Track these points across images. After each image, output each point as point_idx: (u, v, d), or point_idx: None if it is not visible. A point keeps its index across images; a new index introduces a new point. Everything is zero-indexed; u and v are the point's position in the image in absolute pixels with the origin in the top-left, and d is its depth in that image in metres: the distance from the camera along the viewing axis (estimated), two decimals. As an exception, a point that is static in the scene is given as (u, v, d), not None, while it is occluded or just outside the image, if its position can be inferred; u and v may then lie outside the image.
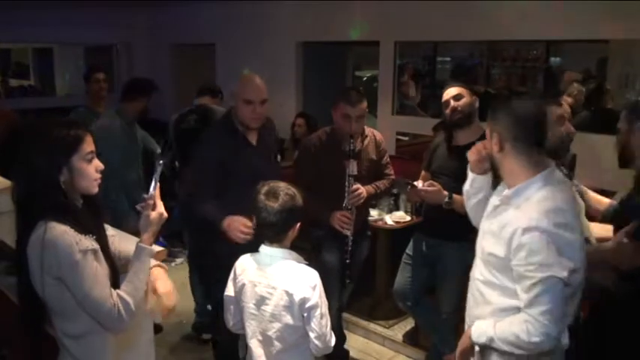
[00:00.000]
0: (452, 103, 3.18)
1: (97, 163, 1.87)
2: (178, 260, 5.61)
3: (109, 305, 1.76)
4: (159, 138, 4.94)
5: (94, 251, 1.79)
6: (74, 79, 8.92)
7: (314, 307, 2.17)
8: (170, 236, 5.69)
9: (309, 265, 2.30)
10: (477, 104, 3.21)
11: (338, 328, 3.66)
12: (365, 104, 3.34)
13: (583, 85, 5.05)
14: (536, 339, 1.83)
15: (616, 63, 4.88)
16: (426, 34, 5.45)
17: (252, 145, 3.18)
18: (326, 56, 6.72)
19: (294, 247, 2.35)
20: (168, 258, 5.31)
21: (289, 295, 2.17)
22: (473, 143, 3.16)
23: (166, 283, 2.18)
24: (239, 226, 2.84)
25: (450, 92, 3.21)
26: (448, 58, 6.22)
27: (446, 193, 3.04)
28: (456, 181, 3.12)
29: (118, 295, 1.80)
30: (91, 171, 1.84)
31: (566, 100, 5.09)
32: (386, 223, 4.23)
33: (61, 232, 1.72)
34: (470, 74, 5.91)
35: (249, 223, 2.72)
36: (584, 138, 4.54)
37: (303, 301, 2.16)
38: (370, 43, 5.95)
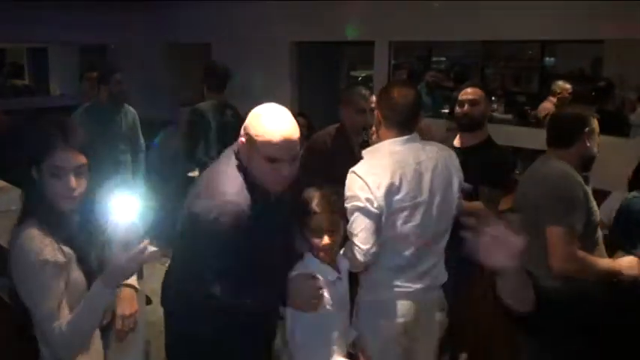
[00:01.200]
0: (466, 106, 3.17)
1: (68, 182, 1.70)
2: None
3: (52, 325, 1.67)
4: (153, 136, 4.94)
5: (56, 264, 1.69)
6: (68, 80, 8.89)
7: None
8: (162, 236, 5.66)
9: None
10: (490, 109, 3.20)
11: None
12: (374, 97, 3.37)
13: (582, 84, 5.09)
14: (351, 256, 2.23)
15: (611, 63, 4.90)
16: (420, 34, 5.45)
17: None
18: (321, 56, 6.72)
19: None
20: (161, 259, 5.28)
21: None
22: (475, 146, 3.19)
23: (126, 307, 2.02)
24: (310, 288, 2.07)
25: (468, 94, 3.18)
26: (443, 58, 6.24)
27: None
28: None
29: (65, 322, 1.68)
30: (55, 185, 1.70)
31: (552, 101, 5.13)
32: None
33: (29, 236, 1.69)
34: (465, 74, 5.95)
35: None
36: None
37: None
38: (365, 42, 5.95)
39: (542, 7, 4.48)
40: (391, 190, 2.26)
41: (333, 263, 2.16)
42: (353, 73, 7.54)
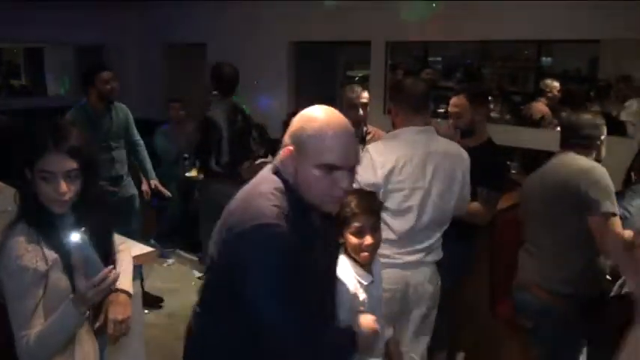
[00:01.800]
0: (452, 120, 3.27)
1: (58, 186, 1.71)
2: (170, 261, 5.60)
3: (20, 333, 1.69)
4: (148, 138, 4.95)
5: (35, 271, 1.71)
6: (65, 80, 8.87)
7: None
8: (161, 236, 5.68)
9: None
10: (480, 112, 3.23)
11: None
12: (367, 93, 3.40)
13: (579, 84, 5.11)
14: None
15: (607, 63, 4.91)
16: (417, 34, 5.46)
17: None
18: (317, 56, 6.72)
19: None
20: (159, 259, 5.30)
21: None
22: (474, 148, 3.22)
23: (119, 311, 1.95)
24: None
25: (452, 107, 3.27)
26: (439, 58, 6.24)
27: None
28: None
29: (34, 333, 1.70)
30: (45, 189, 1.72)
31: (542, 101, 5.15)
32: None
33: (15, 240, 1.71)
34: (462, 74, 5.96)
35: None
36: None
37: None
38: (361, 42, 5.95)
39: (539, 7, 4.49)
40: (393, 171, 2.54)
41: (368, 266, 2.15)
42: (349, 73, 7.54)
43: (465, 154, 2.75)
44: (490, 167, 3.12)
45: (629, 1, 4.03)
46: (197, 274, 5.18)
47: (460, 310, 3.57)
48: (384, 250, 2.44)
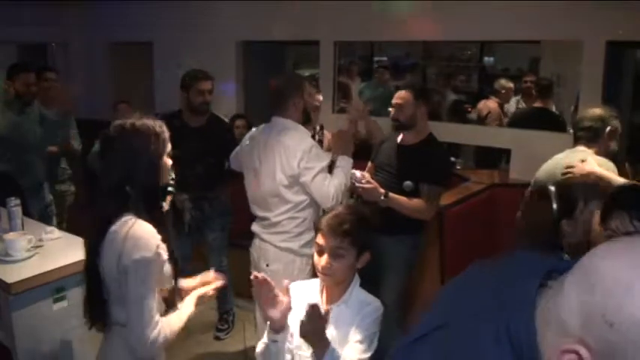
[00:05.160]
0: (394, 110, 3.34)
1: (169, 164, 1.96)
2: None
3: (148, 321, 1.75)
4: (94, 139, 4.87)
5: (163, 261, 1.81)
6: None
7: None
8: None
9: None
10: (422, 109, 3.32)
11: None
12: (321, 96, 3.45)
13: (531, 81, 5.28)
14: None
15: (548, 63, 5.11)
16: (364, 34, 5.55)
17: None
18: (265, 55, 6.73)
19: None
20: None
21: None
22: (415, 145, 3.32)
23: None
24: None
25: (395, 98, 3.35)
26: (385, 58, 6.35)
27: (382, 190, 3.11)
28: (395, 177, 3.24)
29: (160, 320, 1.80)
30: (167, 172, 1.95)
31: (494, 100, 5.33)
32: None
33: (148, 231, 1.78)
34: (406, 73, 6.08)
35: None
36: (521, 134, 4.76)
37: None
38: (309, 42, 6.01)
39: (481, 8, 4.64)
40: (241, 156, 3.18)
41: (337, 291, 2.01)
42: (298, 72, 7.57)
43: (291, 143, 2.92)
44: (431, 163, 3.23)
45: (568, 5, 4.21)
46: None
47: (413, 305, 3.67)
48: (254, 225, 3.11)
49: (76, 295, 2.80)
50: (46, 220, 4.11)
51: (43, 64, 5.35)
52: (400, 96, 3.32)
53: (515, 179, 4.60)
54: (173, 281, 1.94)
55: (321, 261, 1.95)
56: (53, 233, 3.08)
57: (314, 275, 3.05)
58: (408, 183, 3.20)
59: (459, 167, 5.22)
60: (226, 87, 6.10)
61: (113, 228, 1.79)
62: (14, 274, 2.60)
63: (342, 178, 2.94)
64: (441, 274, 3.62)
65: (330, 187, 2.87)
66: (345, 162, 3.03)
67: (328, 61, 5.76)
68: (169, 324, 1.82)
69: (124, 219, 1.79)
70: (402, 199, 3.15)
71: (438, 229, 3.56)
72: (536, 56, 5.27)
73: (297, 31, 5.87)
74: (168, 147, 1.89)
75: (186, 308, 1.94)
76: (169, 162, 1.92)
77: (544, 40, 4.78)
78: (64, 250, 2.89)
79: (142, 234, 1.76)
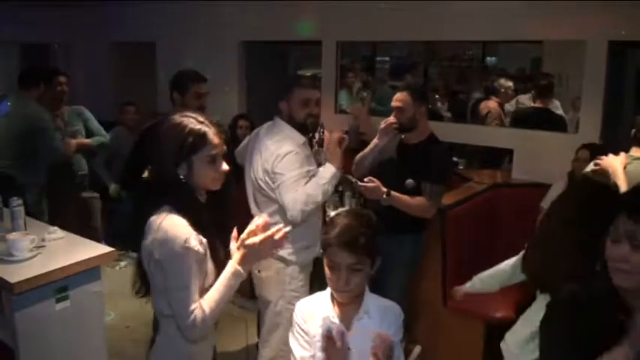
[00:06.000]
0: (394, 113, 3.33)
1: (220, 165, 1.90)
2: (122, 263, 5.51)
3: (189, 309, 1.77)
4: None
5: (197, 253, 1.79)
6: (10, 80, 8.56)
7: None
8: (112, 237, 5.57)
9: None
10: (422, 109, 3.31)
11: None
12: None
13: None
14: None
15: (550, 63, 5.10)
16: (367, 34, 5.55)
17: None
18: (268, 55, 6.74)
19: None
20: (111, 262, 5.21)
21: None
22: (417, 144, 3.32)
23: None
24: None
25: (394, 102, 3.33)
26: (387, 58, 6.34)
27: (384, 189, 3.10)
28: (397, 176, 3.24)
29: (201, 304, 1.80)
30: (208, 172, 1.88)
31: (495, 100, 5.32)
32: (331, 219, 4.28)
33: (177, 223, 1.79)
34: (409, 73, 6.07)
35: None
36: (523, 134, 4.76)
37: None
38: (312, 42, 6.01)
39: (483, 8, 4.64)
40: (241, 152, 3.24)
41: (353, 307, 1.91)
42: (300, 73, 7.58)
43: (271, 144, 2.90)
44: (433, 161, 3.23)
45: (571, 5, 4.21)
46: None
47: (415, 304, 3.68)
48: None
49: (78, 295, 2.83)
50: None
51: (54, 68, 5.41)
52: (399, 98, 3.30)
53: (517, 179, 4.61)
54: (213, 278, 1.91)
55: (338, 279, 1.83)
56: (56, 233, 3.08)
57: (312, 283, 3.07)
58: (409, 181, 3.21)
59: (461, 167, 5.22)
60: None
61: (151, 219, 1.83)
62: (17, 273, 2.60)
63: (311, 190, 2.82)
64: (442, 273, 3.62)
65: (294, 198, 2.78)
66: (326, 172, 2.90)
67: (330, 61, 5.76)
68: (208, 302, 1.82)
69: (160, 211, 1.83)
70: (404, 197, 3.15)
71: (440, 228, 3.56)
72: (538, 56, 5.26)
73: (299, 31, 5.88)
74: (213, 147, 1.87)
75: (222, 275, 1.86)
76: (218, 164, 1.90)
77: (546, 40, 4.78)
78: (67, 250, 2.91)
79: (170, 228, 1.78)
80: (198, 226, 1.82)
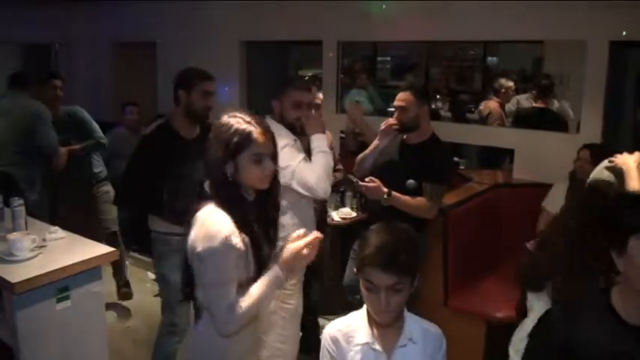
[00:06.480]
0: (396, 113, 3.32)
1: (266, 165, 1.90)
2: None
3: (225, 305, 1.80)
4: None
5: (238, 250, 1.80)
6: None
7: None
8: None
9: None
10: (424, 109, 3.31)
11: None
12: (321, 94, 3.39)
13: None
14: None
15: (551, 63, 5.09)
16: (367, 35, 5.55)
17: None
18: (268, 55, 6.74)
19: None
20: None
21: None
22: (418, 145, 3.32)
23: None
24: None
25: (397, 101, 3.32)
26: (388, 58, 6.34)
27: (385, 190, 3.10)
28: (398, 176, 3.24)
29: (238, 300, 1.81)
30: (253, 171, 1.88)
31: (495, 100, 5.32)
32: (332, 219, 4.29)
33: (220, 220, 1.80)
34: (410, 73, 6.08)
35: None
36: (524, 134, 4.76)
37: None
38: (312, 42, 6.01)
39: (484, 9, 4.63)
40: None
41: (393, 329, 1.85)
42: (301, 73, 7.59)
43: None
44: (434, 161, 3.23)
45: (572, 5, 4.21)
46: (151, 275, 5.13)
47: (415, 304, 3.67)
48: None
49: (79, 295, 2.82)
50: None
51: (51, 71, 5.37)
52: (401, 98, 3.30)
53: (518, 179, 4.61)
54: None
55: (379, 301, 1.73)
56: (57, 233, 3.08)
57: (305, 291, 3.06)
58: (410, 182, 3.20)
59: (462, 167, 5.21)
60: (223, 90, 6.11)
61: (197, 214, 1.86)
62: (18, 273, 2.60)
63: (322, 159, 2.82)
64: (444, 273, 3.62)
65: (316, 176, 2.78)
66: (319, 141, 2.87)
67: (332, 60, 5.76)
68: (245, 300, 1.83)
69: (207, 206, 1.86)
70: (405, 197, 3.15)
71: (441, 229, 3.56)
72: (539, 56, 5.25)
73: (300, 31, 5.88)
74: (258, 147, 1.88)
75: (265, 276, 1.88)
76: (264, 164, 1.90)
77: (547, 40, 4.77)
78: (68, 250, 2.90)
79: (212, 224, 1.80)
80: (242, 223, 1.84)
